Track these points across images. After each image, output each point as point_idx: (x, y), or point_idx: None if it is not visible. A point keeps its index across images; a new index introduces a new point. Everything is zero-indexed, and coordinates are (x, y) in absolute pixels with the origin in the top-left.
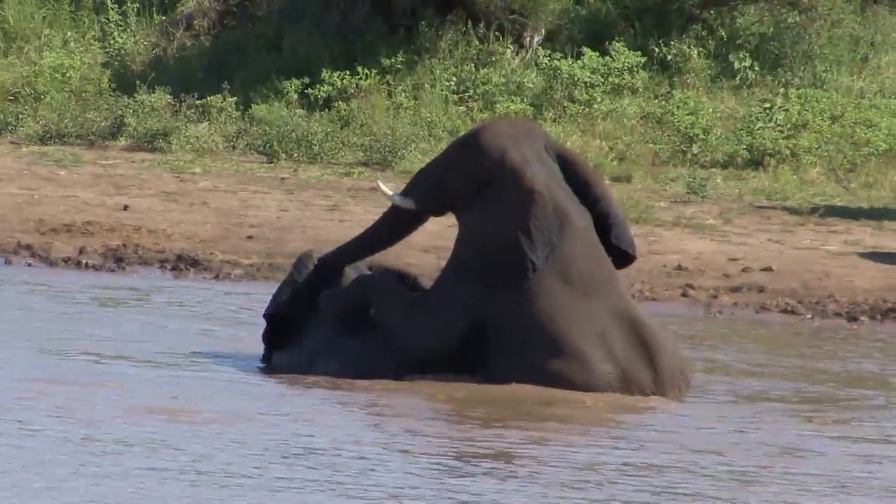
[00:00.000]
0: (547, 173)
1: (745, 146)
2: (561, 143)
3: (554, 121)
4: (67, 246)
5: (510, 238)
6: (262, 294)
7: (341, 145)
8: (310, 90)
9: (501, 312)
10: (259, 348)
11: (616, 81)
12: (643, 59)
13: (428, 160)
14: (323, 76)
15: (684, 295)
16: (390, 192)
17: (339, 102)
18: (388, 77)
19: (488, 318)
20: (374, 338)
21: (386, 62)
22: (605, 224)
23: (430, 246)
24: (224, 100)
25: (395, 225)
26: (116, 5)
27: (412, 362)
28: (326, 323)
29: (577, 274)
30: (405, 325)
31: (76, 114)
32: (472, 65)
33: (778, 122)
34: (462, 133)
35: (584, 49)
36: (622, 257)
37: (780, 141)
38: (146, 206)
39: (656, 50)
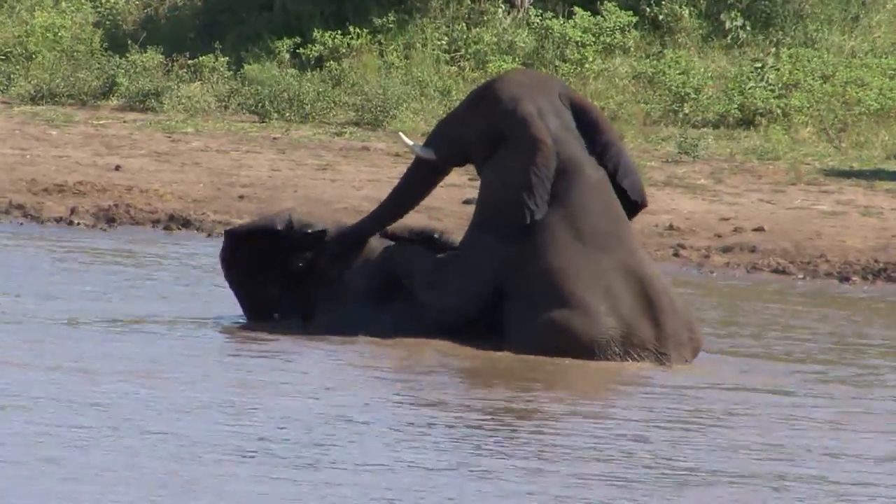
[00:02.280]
0: (561, 125)
1: (736, 106)
2: (573, 90)
3: None
4: (59, 206)
5: (512, 186)
6: None
7: (333, 105)
8: (301, 50)
9: (515, 267)
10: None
11: (607, 41)
12: (635, 19)
13: (419, 120)
14: (314, 36)
15: (676, 255)
16: (411, 143)
17: (331, 62)
18: (380, 36)
19: (504, 275)
20: (402, 306)
21: (377, 22)
22: (614, 171)
23: (422, 205)
24: (216, 59)
25: (419, 178)
26: None
27: (439, 327)
28: (358, 294)
29: (589, 228)
30: (428, 288)
31: (68, 73)
32: (464, 24)
33: (769, 81)
34: (453, 91)
35: (576, 8)
36: (631, 205)
37: (772, 100)
38: (138, 166)
39: (648, 9)
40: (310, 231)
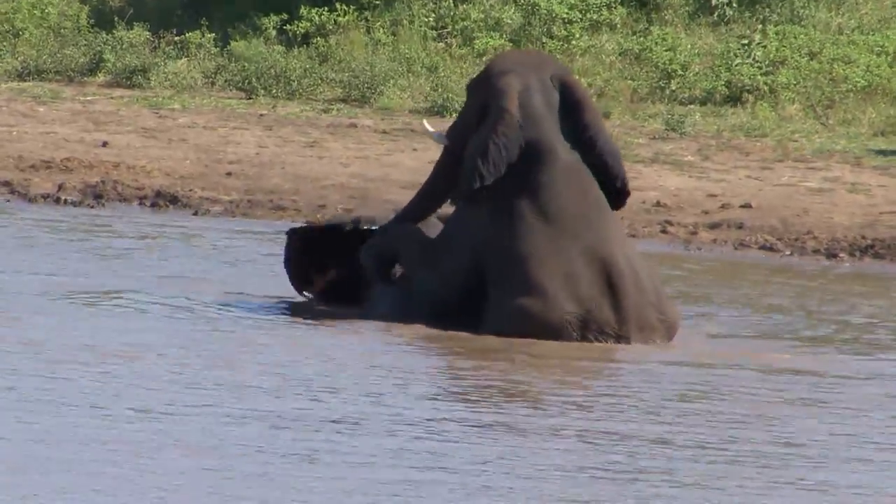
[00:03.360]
0: (544, 104)
1: (723, 82)
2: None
3: None
4: (46, 182)
5: (471, 152)
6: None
7: (320, 81)
8: (288, 26)
9: (489, 248)
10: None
11: (594, 17)
12: None
13: (406, 96)
14: (301, 12)
15: (664, 231)
16: (432, 130)
17: (318, 39)
18: (367, 13)
19: (481, 255)
20: (402, 287)
21: None
22: (591, 153)
23: (409, 182)
24: (203, 36)
25: (446, 167)
26: None
27: (430, 309)
28: (369, 274)
29: (557, 210)
30: (415, 272)
31: (55, 50)
32: (451, 1)
33: (756, 58)
34: (440, 67)
35: None
36: (614, 189)
37: (759, 77)
38: (125, 143)
39: None
40: (372, 228)
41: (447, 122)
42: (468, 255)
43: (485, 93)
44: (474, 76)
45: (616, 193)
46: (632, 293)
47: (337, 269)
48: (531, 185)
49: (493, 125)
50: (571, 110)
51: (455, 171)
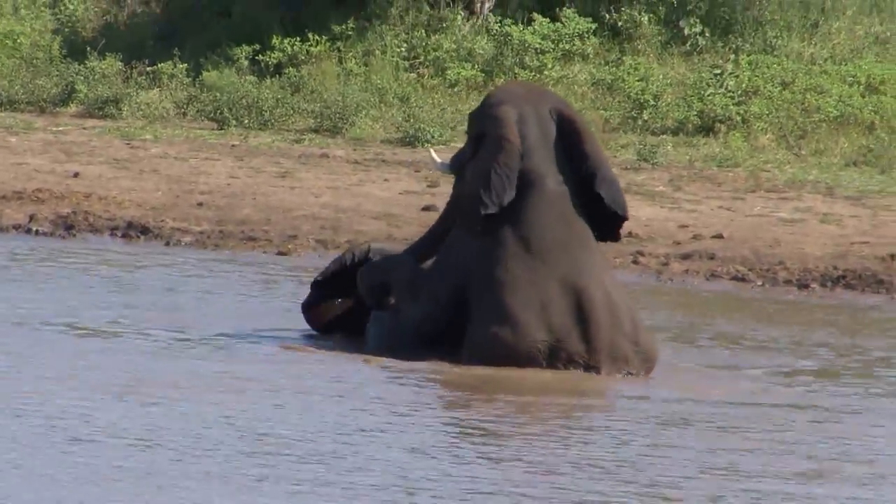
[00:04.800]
0: (540, 135)
1: (695, 112)
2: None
3: None
4: (18, 213)
5: (474, 181)
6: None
7: (292, 112)
8: (260, 56)
9: (472, 275)
10: None
11: (567, 48)
12: (594, 26)
13: (378, 126)
14: (273, 43)
15: (635, 262)
16: (439, 160)
17: (290, 69)
18: (339, 43)
19: (465, 282)
20: (393, 315)
21: (336, 28)
22: (593, 183)
23: (381, 213)
24: (175, 66)
25: (455, 197)
26: None
27: (417, 339)
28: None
29: (537, 239)
30: (404, 300)
31: (27, 80)
32: (423, 31)
33: (728, 88)
34: (412, 98)
35: (535, 15)
36: (612, 218)
37: (731, 107)
38: (97, 173)
39: (607, 16)
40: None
41: (420, 153)
42: (455, 283)
43: (481, 123)
44: (475, 108)
45: (614, 224)
46: (605, 324)
47: (341, 299)
48: (516, 214)
49: (494, 154)
50: (571, 141)
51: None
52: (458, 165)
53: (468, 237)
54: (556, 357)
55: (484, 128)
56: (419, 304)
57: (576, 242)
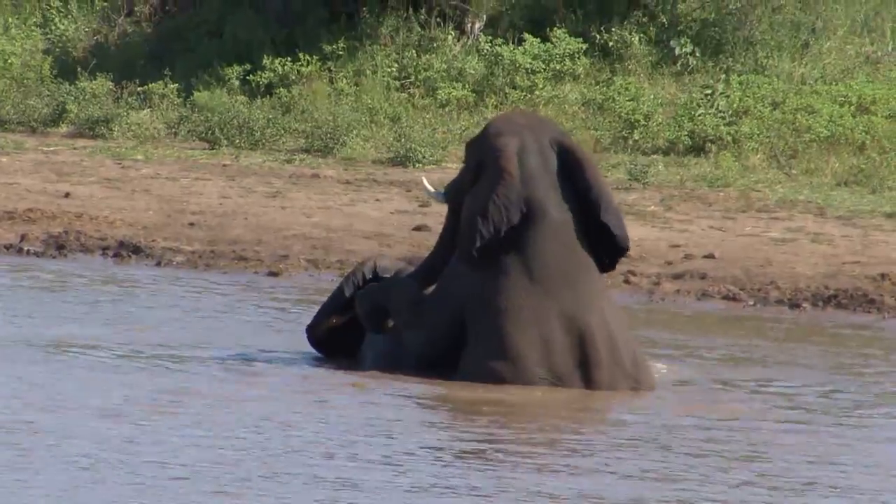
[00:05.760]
0: (541, 165)
1: (686, 132)
2: (569, 136)
3: (496, 107)
4: (9, 233)
5: (472, 212)
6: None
7: (283, 132)
8: (251, 77)
9: (473, 303)
10: None
11: (557, 67)
12: (584, 46)
13: (369, 146)
14: (264, 63)
15: (626, 282)
16: (432, 190)
17: (281, 89)
18: (330, 63)
19: (466, 310)
20: (392, 338)
21: (327, 48)
22: (597, 213)
23: (373, 233)
24: (165, 86)
25: (451, 224)
26: None
27: (417, 363)
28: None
29: (541, 270)
30: (407, 325)
31: (17, 100)
32: (414, 51)
33: (719, 108)
34: (403, 118)
35: (526, 35)
36: (613, 248)
37: (722, 127)
38: (88, 193)
39: (597, 36)
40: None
41: (410, 173)
42: (455, 309)
43: (481, 153)
44: (473, 136)
45: (615, 254)
46: (606, 365)
47: (338, 317)
48: (518, 243)
49: (494, 185)
50: (573, 171)
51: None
52: (453, 194)
53: (468, 265)
54: None
55: (484, 157)
56: (419, 329)
57: (578, 272)
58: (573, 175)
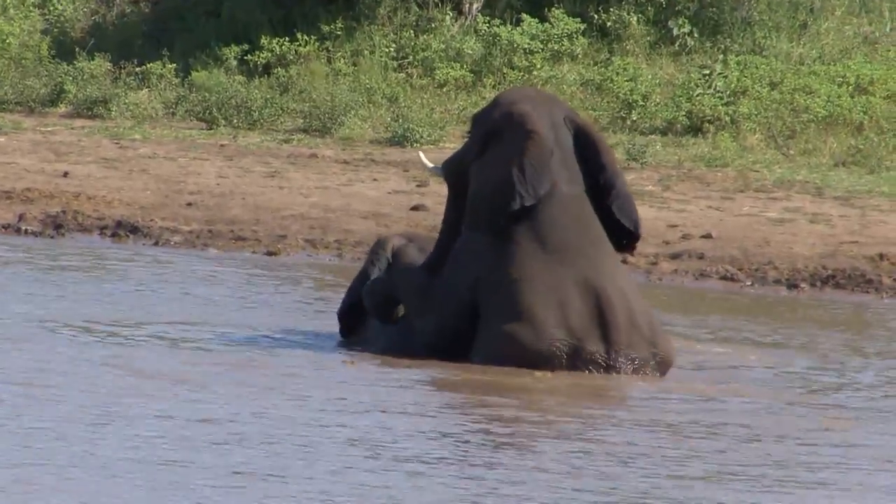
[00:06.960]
0: (554, 139)
1: (684, 113)
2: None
3: (493, 87)
4: (7, 213)
5: (504, 174)
6: None
7: (280, 112)
8: (249, 57)
9: (485, 278)
10: None
11: (555, 48)
12: (582, 26)
13: (367, 126)
14: (262, 43)
15: (624, 262)
16: (430, 165)
17: (279, 69)
18: (328, 43)
19: (477, 288)
20: (402, 327)
21: (325, 28)
22: (608, 196)
23: (370, 213)
24: (163, 66)
25: (454, 202)
26: None
27: (430, 349)
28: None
29: (554, 240)
30: (416, 312)
31: (16, 81)
32: (412, 31)
33: (717, 88)
34: (401, 97)
35: (524, 15)
36: (624, 232)
37: (720, 107)
38: (86, 173)
39: (595, 16)
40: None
41: (408, 153)
42: (466, 288)
43: (496, 121)
44: (481, 108)
45: (627, 237)
46: (623, 326)
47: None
48: (530, 215)
49: (525, 147)
50: (588, 151)
51: (464, 203)
52: (454, 166)
53: (481, 239)
54: (576, 358)
55: (499, 125)
56: (429, 314)
57: (591, 244)
58: (587, 155)
